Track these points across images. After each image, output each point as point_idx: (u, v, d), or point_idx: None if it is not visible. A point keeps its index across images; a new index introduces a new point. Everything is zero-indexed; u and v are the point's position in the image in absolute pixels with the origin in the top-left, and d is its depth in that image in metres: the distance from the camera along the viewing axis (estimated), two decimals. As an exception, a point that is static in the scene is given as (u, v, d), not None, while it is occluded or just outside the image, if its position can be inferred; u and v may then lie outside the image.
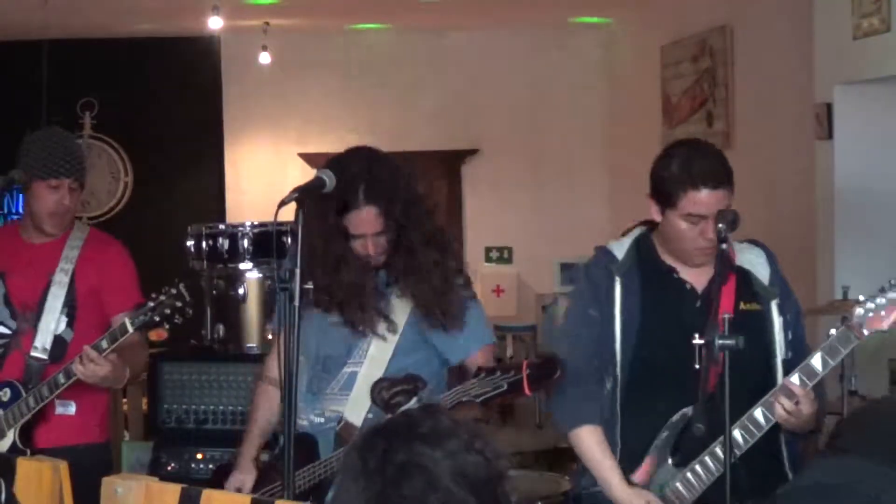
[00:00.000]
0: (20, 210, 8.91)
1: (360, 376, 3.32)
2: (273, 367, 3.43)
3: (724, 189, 3.04)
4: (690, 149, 3.12)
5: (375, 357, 3.32)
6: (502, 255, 9.75)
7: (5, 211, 9.00)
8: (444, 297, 3.29)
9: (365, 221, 3.23)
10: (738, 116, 7.50)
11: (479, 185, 10.00)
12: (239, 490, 3.46)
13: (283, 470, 2.89)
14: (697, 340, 2.85)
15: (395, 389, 2.96)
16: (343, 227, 3.24)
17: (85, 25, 8.93)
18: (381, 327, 3.31)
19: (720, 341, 2.72)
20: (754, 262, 3.15)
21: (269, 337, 4.94)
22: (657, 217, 3.12)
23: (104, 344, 3.59)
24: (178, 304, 3.51)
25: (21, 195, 8.67)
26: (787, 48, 6.77)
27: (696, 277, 3.14)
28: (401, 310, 3.33)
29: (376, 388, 3.01)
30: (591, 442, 3.13)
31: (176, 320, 3.56)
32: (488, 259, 9.66)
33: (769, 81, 7.07)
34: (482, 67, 9.90)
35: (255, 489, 3.44)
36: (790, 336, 3.10)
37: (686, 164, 3.05)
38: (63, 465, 2.54)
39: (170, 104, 9.58)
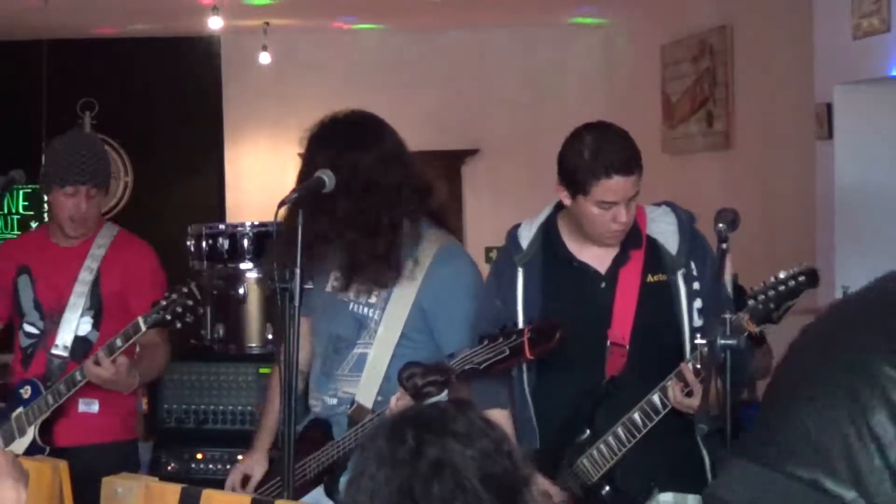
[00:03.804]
0: (20, 210, 8.92)
1: (369, 358, 3.33)
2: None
3: (635, 175, 3.07)
4: (600, 134, 3.12)
5: (383, 339, 3.32)
6: (502, 255, 9.76)
7: (5, 211, 9.00)
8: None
9: None
10: (738, 116, 7.50)
11: (479, 185, 10.00)
12: (247, 476, 3.48)
13: (284, 468, 2.90)
14: (699, 340, 2.87)
15: (428, 378, 2.94)
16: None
17: (85, 25, 8.93)
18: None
19: (722, 341, 2.73)
20: (665, 231, 3.17)
21: (270, 337, 4.94)
22: (566, 201, 3.14)
23: (118, 342, 3.64)
24: (189, 302, 3.55)
25: (21, 195, 8.73)
26: (787, 48, 6.77)
27: (599, 258, 3.17)
28: (409, 291, 3.33)
29: (407, 373, 2.97)
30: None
31: (187, 319, 3.60)
32: (488, 259, 9.65)
33: (769, 81, 7.07)
34: (482, 67, 9.90)
35: (264, 483, 3.45)
36: (699, 303, 3.10)
37: (596, 152, 3.05)
38: (63, 465, 2.54)
39: (170, 104, 9.58)
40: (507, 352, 2.97)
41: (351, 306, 3.37)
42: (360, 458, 1.78)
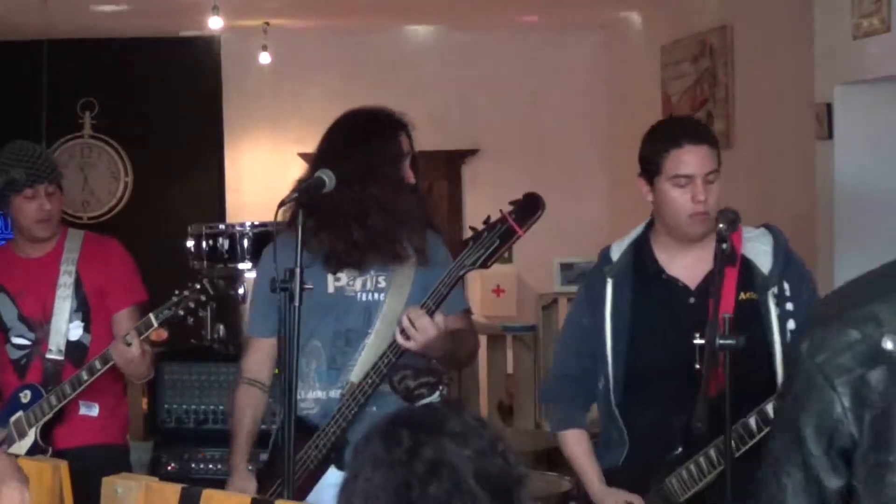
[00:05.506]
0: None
1: (369, 339, 3.34)
2: (253, 369, 3.46)
3: (707, 145, 3.06)
4: (670, 119, 3.26)
5: (387, 321, 3.33)
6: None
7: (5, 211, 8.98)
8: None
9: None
10: (738, 116, 7.49)
11: (479, 185, 9.99)
12: None
13: (283, 468, 2.89)
14: (698, 340, 2.84)
15: (420, 380, 2.94)
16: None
17: (85, 25, 8.93)
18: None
19: (721, 341, 2.72)
20: (759, 250, 3.14)
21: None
22: (649, 197, 3.13)
23: (129, 340, 3.66)
24: (203, 298, 3.60)
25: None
26: (787, 48, 6.77)
27: (689, 272, 3.13)
28: (407, 268, 3.36)
29: (399, 376, 2.97)
30: (574, 445, 3.21)
31: (201, 314, 3.65)
32: (488, 259, 9.65)
33: (769, 81, 7.07)
34: (482, 67, 9.89)
35: (264, 490, 3.43)
36: (794, 325, 3.05)
37: (665, 129, 3.15)
38: (63, 465, 2.54)
39: (170, 104, 9.57)
40: (498, 241, 3.01)
41: (359, 296, 3.39)
42: (354, 460, 1.78)
